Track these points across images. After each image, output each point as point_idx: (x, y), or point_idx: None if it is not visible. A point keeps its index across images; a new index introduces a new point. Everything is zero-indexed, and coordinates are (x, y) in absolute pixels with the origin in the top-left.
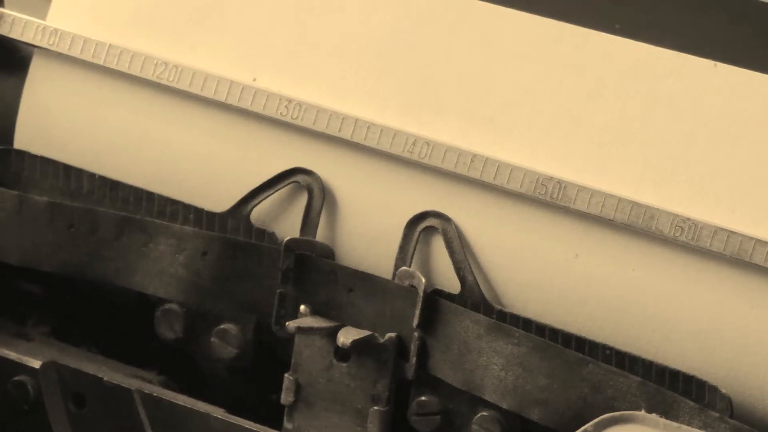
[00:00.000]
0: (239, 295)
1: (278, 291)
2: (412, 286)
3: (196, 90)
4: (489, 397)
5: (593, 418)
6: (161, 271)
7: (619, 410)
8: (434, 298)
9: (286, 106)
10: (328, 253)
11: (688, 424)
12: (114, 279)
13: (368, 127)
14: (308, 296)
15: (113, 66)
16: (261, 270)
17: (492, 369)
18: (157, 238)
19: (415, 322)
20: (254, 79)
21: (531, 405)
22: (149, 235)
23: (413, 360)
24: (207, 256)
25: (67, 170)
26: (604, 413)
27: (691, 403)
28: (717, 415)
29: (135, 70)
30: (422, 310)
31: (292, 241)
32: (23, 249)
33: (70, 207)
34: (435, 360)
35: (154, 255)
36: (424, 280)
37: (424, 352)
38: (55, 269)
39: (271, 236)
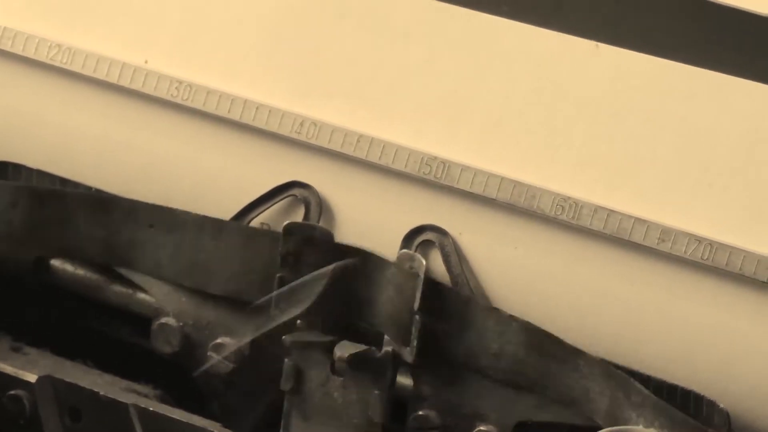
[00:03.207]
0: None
1: (277, 275)
2: (412, 268)
3: (88, 72)
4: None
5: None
6: None
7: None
8: (435, 282)
9: (176, 88)
10: (328, 236)
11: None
12: None
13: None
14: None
15: (8, 49)
16: (260, 255)
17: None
18: None
19: (416, 305)
20: (146, 62)
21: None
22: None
23: (414, 344)
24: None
25: (64, 183)
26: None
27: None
28: None
29: (29, 53)
30: (423, 293)
31: (292, 224)
32: None
33: None
34: (435, 344)
35: None
36: (425, 263)
37: (425, 336)
38: None
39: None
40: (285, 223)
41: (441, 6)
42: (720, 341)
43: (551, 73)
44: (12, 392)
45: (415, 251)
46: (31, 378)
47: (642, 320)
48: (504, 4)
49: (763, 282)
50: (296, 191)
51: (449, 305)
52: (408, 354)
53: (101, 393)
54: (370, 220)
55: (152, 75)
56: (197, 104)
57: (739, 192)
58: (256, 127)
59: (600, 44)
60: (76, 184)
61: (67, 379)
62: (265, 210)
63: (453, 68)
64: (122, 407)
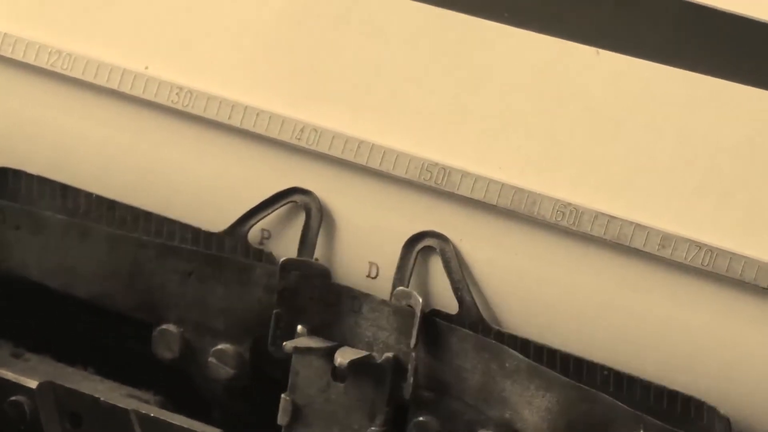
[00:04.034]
0: (236, 316)
1: (274, 311)
2: (410, 306)
3: (89, 78)
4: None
5: None
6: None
7: None
8: (431, 318)
9: (177, 94)
10: (324, 273)
11: None
12: None
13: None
14: (304, 317)
15: (8, 55)
16: (257, 289)
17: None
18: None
19: (413, 342)
20: (146, 68)
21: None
22: None
23: (410, 380)
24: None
25: (64, 189)
26: None
27: None
28: None
29: (29, 59)
30: (419, 330)
31: (289, 261)
32: None
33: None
34: (432, 380)
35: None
36: (421, 300)
37: (421, 372)
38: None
39: (269, 256)
40: (281, 259)
41: (442, 12)
42: (720, 347)
43: (552, 79)
44: (13, 398)
45: (416, 257)
46: (32, 384)
47: (642, 326)
48: (505, 10)
49: (764, 288)
50: (297, 197)
51: (447, 342)
52: (405, 390)
53: (102, 399)
54: (371, 226)
55: (153, 81)
56: (198, 110)
57: (739, 198)
58: (256, 133)
59: (600, 50)
60: (76, 191)
61: (68, 385)
62: (265, 216)
63: (454, 74)
64: (123, 413)
